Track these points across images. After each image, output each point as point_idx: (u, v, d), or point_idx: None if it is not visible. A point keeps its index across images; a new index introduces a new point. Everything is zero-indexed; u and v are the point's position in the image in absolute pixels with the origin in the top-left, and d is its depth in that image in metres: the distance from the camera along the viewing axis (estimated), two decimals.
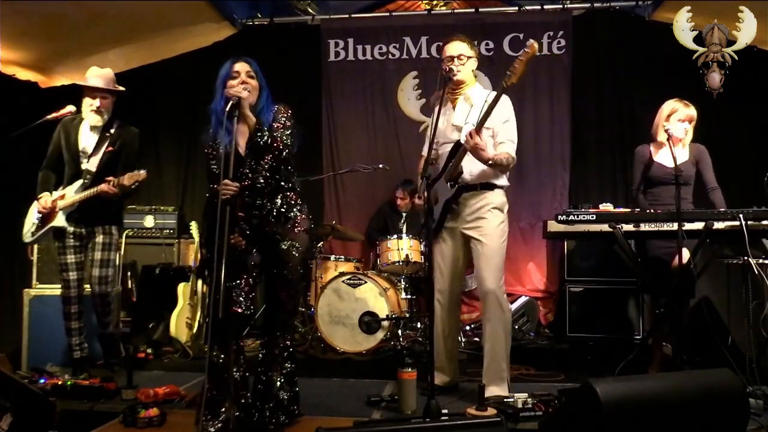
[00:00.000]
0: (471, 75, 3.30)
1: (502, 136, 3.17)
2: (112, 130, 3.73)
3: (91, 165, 3.67)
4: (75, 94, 3.78)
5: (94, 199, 3.61)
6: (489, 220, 3.17)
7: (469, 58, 3.26)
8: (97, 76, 3.74)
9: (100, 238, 3.71)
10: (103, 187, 3.55)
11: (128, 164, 3.69)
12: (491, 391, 3.05)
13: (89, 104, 3.69)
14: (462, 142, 3.08)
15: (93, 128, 3.72)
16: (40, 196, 3.68)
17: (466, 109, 3.25)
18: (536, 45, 2.93)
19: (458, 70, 3.19)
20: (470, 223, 3.21)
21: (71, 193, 3.66)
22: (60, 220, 3.65)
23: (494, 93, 3.08)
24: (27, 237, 3.78)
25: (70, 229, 3.68)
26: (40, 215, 3.69)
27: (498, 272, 3.14)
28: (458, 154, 3.12)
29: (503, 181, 3.27)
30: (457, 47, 3.24)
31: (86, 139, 3.72)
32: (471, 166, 3.17)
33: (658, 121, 3.63)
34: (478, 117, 3.03)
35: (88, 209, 3.66)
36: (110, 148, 3.68)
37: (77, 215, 3.68)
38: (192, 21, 5.42)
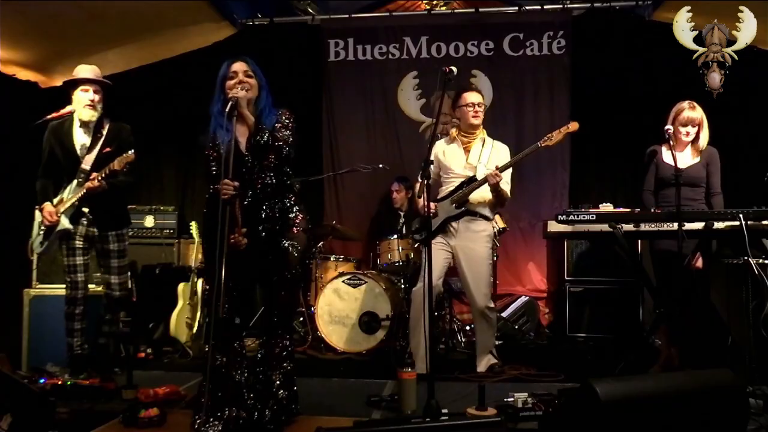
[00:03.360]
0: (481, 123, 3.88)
1: (505, 178, 3.72)
2: (104, 130, 3.66)
3: (85, 164, 3.59)
4: (64, 94, 3.73)
5: (103, 200, 3.58)
6: (482, 248, 3.77)
7: (484, 107, 3.87)
8: (88, 70, 3.67)
9: (115, 245, 3.70)
10: (88, 185, 3.50)
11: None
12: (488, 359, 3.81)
13: (83, 100, 3.59)
14: (479, 177, 3.67)
15: (85, 126, 3.63)
16: (41, 206, 3.61)
17: (479, 151, 3.82)
18: (577, 125, 3.53)
19: (477, 115, 3.80)
20: (466, 243, 3.76)
21: (68, 195, 3.61)
22: (64, 223, 3.58)
23: (499, 143, 3.89)
24: (36, 248, 3.71)
25: (80, 229, 3.63)
26: (47, 226, 3.62)
27: (487, 291, 3.81)
28: (472, 185, 3.69)
29: (491, 214, 3.89)
30: (477, 97, 3.83)
31: (81, 140, 3.64)
32: (476, 197, 3.73)
33: (667, 121, 3.62)
34: (508, 162, 3.71)
35: (100, 212, 3.63)
36: (107, 149, 3.60)
37: (91, 218, 3.62)
38: (192, 21, 5.41)
